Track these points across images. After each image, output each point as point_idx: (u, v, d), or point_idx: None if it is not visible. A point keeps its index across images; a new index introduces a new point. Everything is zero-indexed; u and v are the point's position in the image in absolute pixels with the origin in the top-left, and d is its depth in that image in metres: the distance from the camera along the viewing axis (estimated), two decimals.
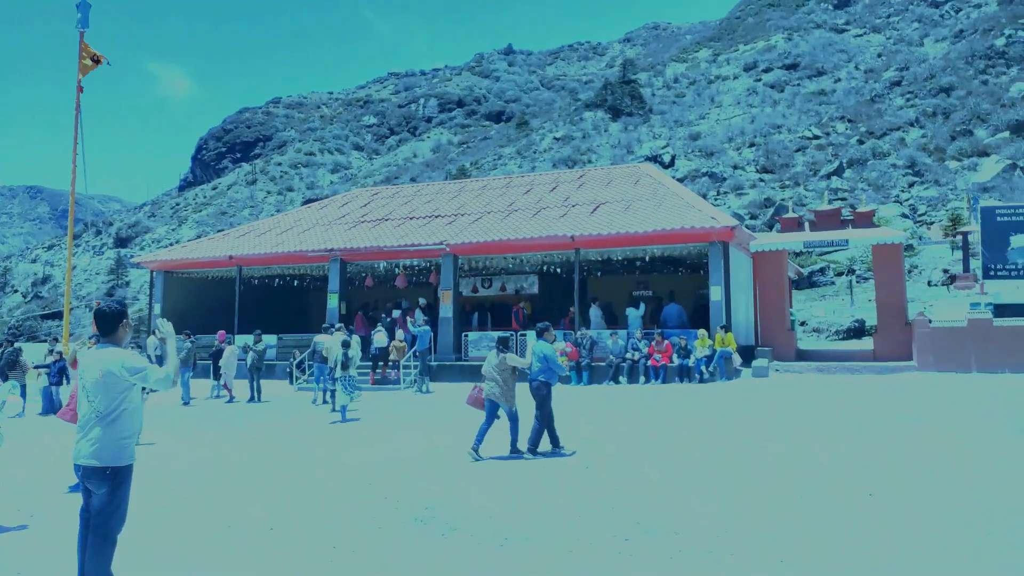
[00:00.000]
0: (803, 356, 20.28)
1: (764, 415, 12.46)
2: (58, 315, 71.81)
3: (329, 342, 16.70)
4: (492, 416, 9.77)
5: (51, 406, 16.13)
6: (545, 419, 9.74)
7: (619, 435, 10.59)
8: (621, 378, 18.42)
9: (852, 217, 19.90)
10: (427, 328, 18.84)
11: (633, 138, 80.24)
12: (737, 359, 18.12)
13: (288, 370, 21.08)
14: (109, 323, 4.65)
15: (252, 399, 18.00)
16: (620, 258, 23.34)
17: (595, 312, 21.34)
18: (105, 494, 4.46)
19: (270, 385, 20.05)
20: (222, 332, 20.99)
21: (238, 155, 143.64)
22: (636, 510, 6.81)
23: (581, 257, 21.16)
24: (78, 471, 4.51)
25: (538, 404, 9.78)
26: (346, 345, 15.27)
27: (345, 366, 14.72)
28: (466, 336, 21.59)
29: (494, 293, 26.08)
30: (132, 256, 54.61)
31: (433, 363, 19.40)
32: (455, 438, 11.36)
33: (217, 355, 19.13)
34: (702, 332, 18.29)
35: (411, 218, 25.73)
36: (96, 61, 24.05)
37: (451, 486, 8.03)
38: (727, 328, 18.34)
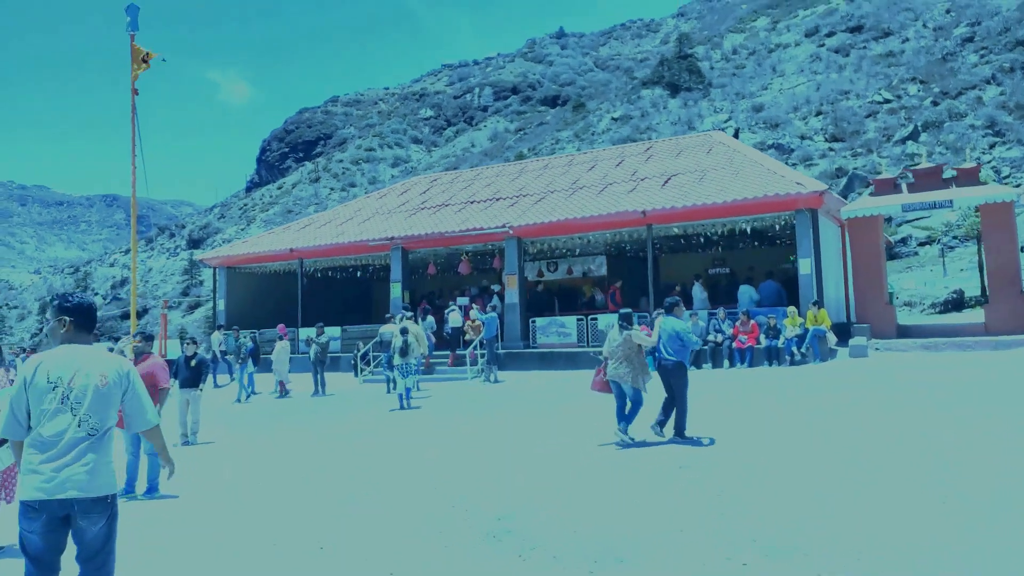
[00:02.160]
0: (904, 332, 18.48)
1: (876, 401, 10.99)
2: (137, 315, 74.00)
3: (393, 330, 16.11)
4: (623, 398, 9.01)
5: None
6: (685, 400, 8.90)
7: (713, 429, 9.34)
8: (704, 364, 17.03)
9: (956, 174, 17.93)
10: (494, 315, 17.84)
11: (694, 113, 77.79)
12: (832, 338, 16.51)
13: (353, 362, 20.42)
14: (91, 317, 3.67)
15: (316, 393, 17.40)
16: (693, 233, 21.92)
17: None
18: (104, 527, 3.46)
19: (335, 378, 19.41)
20: (282, 326, 20.46)
21: (300, 155, 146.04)
22: (751, 523, 5.60)
23: (653, 234, 19.80)
24: (58, 508, 3.35)
25: (676, 386, 8.91)
26: (404, 332, 15.02)
27: (404, 353, 14.46)
28: (533, 322, 20.51)
29: (560, 276, 24.93)
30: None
31: (501, 351, 18.40)
32: (528, 433, 10.31)
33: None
34: (792, 309, 16.73)
35: (472, 202, 24.77)
36: (146, 61, 23.83)
37: (528, 492, 6.96)
38: (819, 304, 16.75)
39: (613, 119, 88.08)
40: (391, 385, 16.15)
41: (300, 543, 5.77)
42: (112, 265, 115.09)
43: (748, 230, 21.31)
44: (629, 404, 8.98)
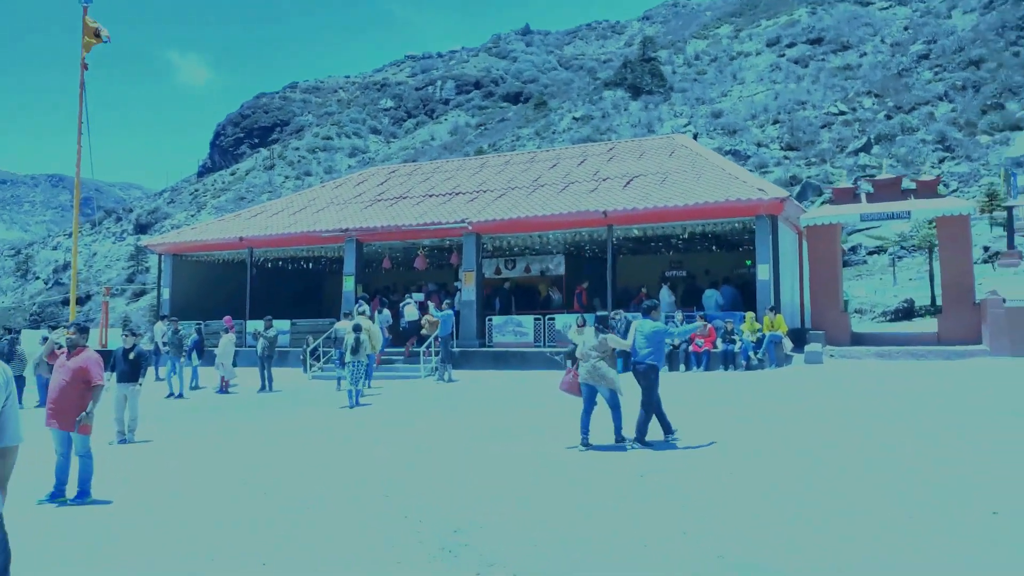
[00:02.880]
0: (858, 340, 18.67)
1: (834, 408, 10.96)
2: (80, 301, 71.62)
3: (347, 327, 15.70)
4: (591, 402, 8.90)
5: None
6: (653, 405, 8.79)
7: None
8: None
9: (915, 186, 18.16)
10: (449, 312, 17.46)
11: (654, 116, 78.45)
12: (788, 344, 16.56)
13: (302, 357, 19.83)
14: None
15: (263, 388, 16.80)
16: (653, 235, 21.85)
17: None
18: None
19: (283, 373, 18.80)
20: (228, 318, 19.76)
21: (256, 140, 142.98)
22: (716, 537, 5.38)
23: (614, 235, 19.64)
24: None
25: (645, 389, 8.80)
26: (357, 329, 14.73)
27: (355, 351, 14.20)
28: (490, 320, 20.18)
29: (518, 274, 24.62)
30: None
31: (456, 349, 18.03)
32: (484, 436, 9.99)
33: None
34: (750, 315, 16.74)
35: (430, 196, 24.32)
36: (98, 36, 22.89)
37: (485, 501, 6.63)
38: (776, 310, 16.78)
39: (574, 118, 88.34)
40: (340, 383, 15.66)
41: (241, 558, 5.36)
42: (55, 248, 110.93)
43: (707, 234, 21.36)
44: (609, 408, 8.87)
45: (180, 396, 16.22)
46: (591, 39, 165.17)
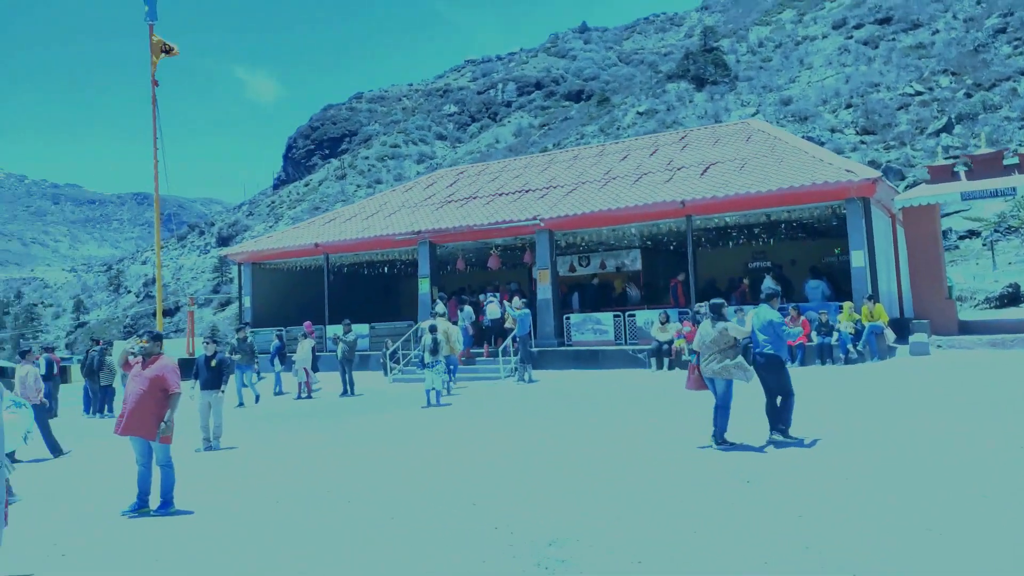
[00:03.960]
0: (965, 328, 17.38)
1: (953, 405, 10.05)
2: (169, 312, 74.51)
3: (441, 326, 15.78)
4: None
5: None
6: (790, 393, 8.24)
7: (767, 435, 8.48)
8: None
9: (1018, 161, 16.77)
10: (526, 311, 17.03)
11: (720, 107, 76.52)
12: (890, 335, 15.49)
13: (382, 361, 19.75)
14: None
15: (345, 393, 16.75)
16: (733, 225, 20.97)
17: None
18: None
19: (364, 377, 18.76)
20: (308, 323, 19.86)
21: (326, 151, 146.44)
22: (843, 552, 4.78)
23: (692, 225, 18.87)
24: None
25: (776, 380, 8.25)
26: (433, 330, 14.80)
27: (433, 351, 14.25)
28: (568, 319, 19.68)
29: (592, 271, 24.07)
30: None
31: (534, 349, 17.60)
32: (574, 439, 9.51)
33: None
34: (847, 304, 15.74)
35: (500, 194, 23.99)
36: (167, 51, 23.45)
37: (580, 509, 6.16)
38: (875, 299, 15.73)
39: (638, 113, 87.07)
40: (442, 384, 15.32)
41: (327, 571, 5.04)
42: (144, 263, 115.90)
43: (791, 221, 20.34)
44: (716, 405, 8.38)
45: (241, 405, 16.08)
46: (650, 33, 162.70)
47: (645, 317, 18.19)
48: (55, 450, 11.03)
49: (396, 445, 10.04)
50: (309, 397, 16.98)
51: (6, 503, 4.81)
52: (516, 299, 17.66)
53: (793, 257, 23.34)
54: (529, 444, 9.39)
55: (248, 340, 17.18)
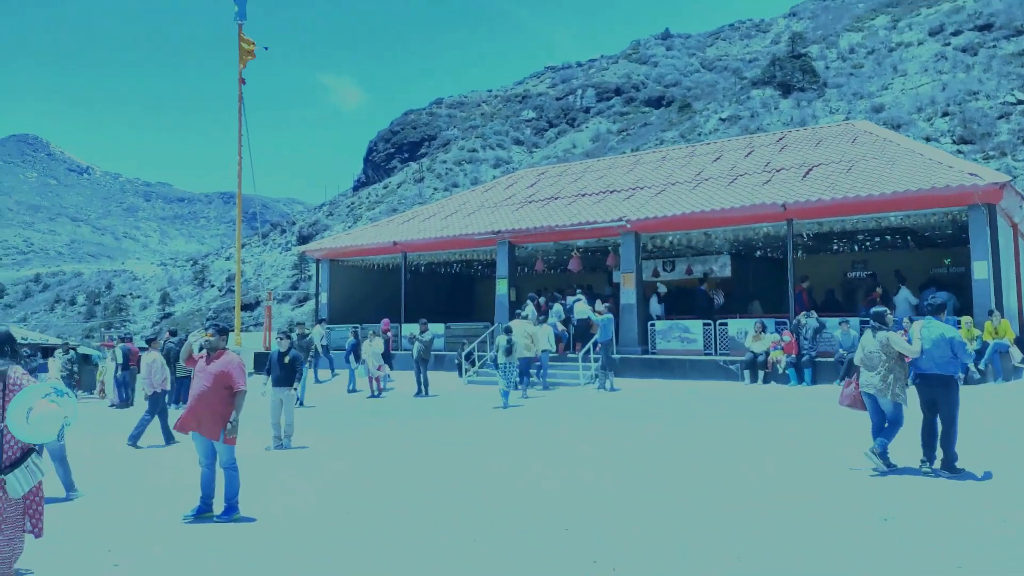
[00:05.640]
0: None
1: None
2: (249, 307, 76.54)
3: (516, 328, 15.50)
4: (880, 412, 7.46)
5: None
6: (955, 423, 7.20)
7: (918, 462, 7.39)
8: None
9: None
10: (610, 316, 16.13)
11: (807, 114, 73.70)
12: (1017, 354, 13.94)
13: (457, 361, 19.16)
14: None
15: (419, 393, 16.25)
16: (837, 231, 19.52)
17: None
18: None
19: (438, 377, 18.19)
20: (385, 320, 19.44)
21: (406, 155, 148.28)
22: None
23: (791, 230, 17.58)
24: None
25: (945, 405, 7.20)
26: (507, 331, 14.62)
27: (508, 352, 14.11)
28: (652, 325, 18.64)
29: (677, 277, 22.91)
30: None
31: (616, 356, 16.66)
32: (667, 457, 8.58)
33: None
34: (966, 319, 14.24)
35: (583, 195, 23.11)
36: (251, 53, 23.60)
37: (684, 540, 5.27)
38: (999, 314, 14.18)
39: (721, 119, 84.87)
40: (513, 385, 14.66)
41: None
42: (228, 259, 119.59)
43: (898, 228, 18.80)
44: (888, 422, 7.43)
45: (355, 391, 16.11)
46: (734, 39, 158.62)
47: (738, 326, 17.01)
48: (168, 438, 10.92)
49: (472, 452, 9.32)
50: (380, 395, 16.54)
51: (40, 507, 4.27)
52: (599, 303, 16.77)
53: (897, 267, 21.69)
54: (618, 460, 8.51)
55: (307, 336, 16.90)
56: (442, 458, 9.02)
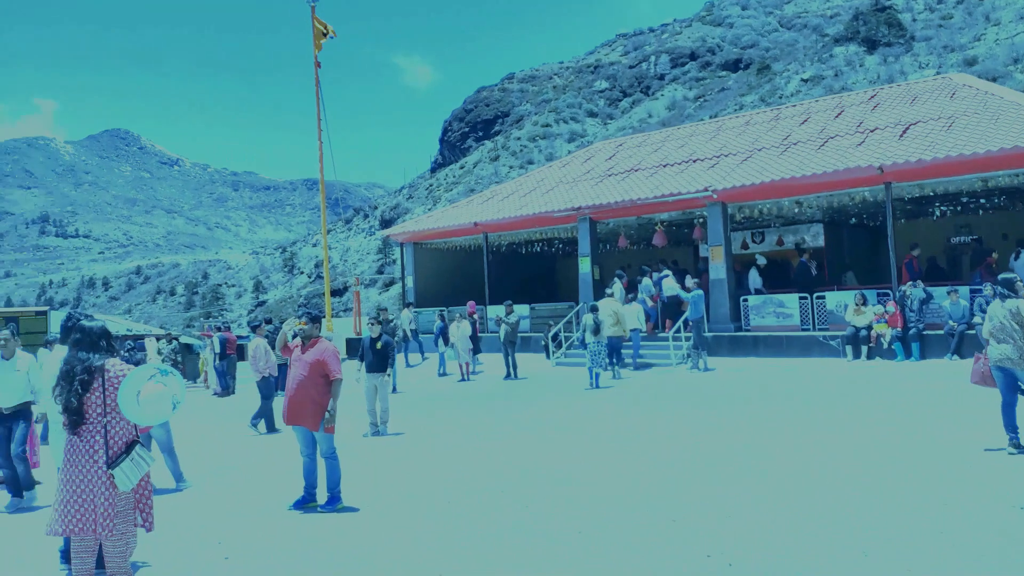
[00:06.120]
0: None
1: None
2: (338, 292, 78.72)
3: (602, 306, 15.21)
4: (1013, 390, 6.99)
5: None
6: None
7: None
8: (951, 354, 13.89)
9: None
10: (700, 292, 15.68)
11: (895, 70, 69.88)
12: None
13: (543, 343, 19.09)
14: None
15: (508, 376, 16.28)
16: (939, 193, 18.41)
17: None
18: None
19: (526, 359, 18.19)
20: (471, 303, 19.52)
21: (480, 134, 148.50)
22: None
23: (890, 194, 16.66)
24: None
25: None
26: (594, 309, 14.51)
27: (595, 331, 14.02)
28: (745, 301, 18.06)
29: (767, 248, 22.12)
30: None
31: (708, 334, 16.23)
32: (775, 439, 8.26)
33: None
34: None
35: (664, 166, 22.53)
36: (327, 34, 23.84)
37: (804, 532, 5.01)
38: None
39: (803, 80, 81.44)
40: (603, 365, 14.47)
41: None
42: (315, 245, 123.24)
43: (1004, 189, 17.55)
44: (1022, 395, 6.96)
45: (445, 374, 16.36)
46: None
47: (836, 299, 16.29)
48: (271, 427, 11.30)
49: (567, 437, 9.23)
50: (470, 379, 16.65)
51: (149, 501, 4.37)
52: (689, 279, 16.34)
53: (1004, 230, 20.35)
54: (719, 445, 8.26)
55: (391, 322, 17.10)
56: (537, 443, 8.96)
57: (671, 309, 18.24)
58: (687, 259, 25.04)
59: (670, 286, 18.07)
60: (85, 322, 4.42)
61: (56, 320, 20.01)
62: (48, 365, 8.81)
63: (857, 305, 15.05)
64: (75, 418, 4.17)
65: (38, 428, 7.86)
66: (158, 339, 22.59)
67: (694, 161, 21.86)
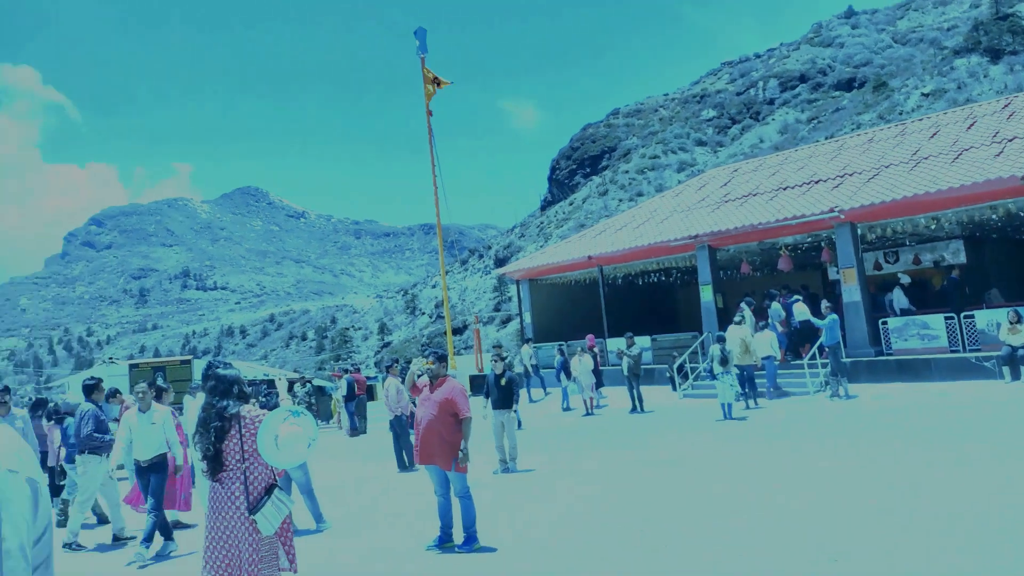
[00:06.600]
0: None
1: None
2: (458, 331, 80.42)
3: (730, 336, 14.89)
4: None
5: None
6: None
7: None
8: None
9: None
10: (835, 317, 14.91)
11: (1023, 79, 64.91)
12: None
13: (668, 374, 18.68)
14: None
15: (634, 409, 15.98)
16: None
17: None
18: None
19: (651, 392, 17.82)
20: (590, 336, 19.39)
21: (588, 170, 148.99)
22: None
23: None
24: None
25: None
26: (720, 340, 14.24)
27: (723, 362, 13.73)
28: (884, 323, 17.03)
29: (903, 268, 20.86)
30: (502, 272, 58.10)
31: (845, 360, 15.38)
32: (929, 471, 7.65)
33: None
34: None
35: (783, 188, 21.77)
36: (438, 84, 24.61)
37: (979, 570, 4.57)
38: None
39: (923, 95, 77.24)
40: (736, 396, 13.99)
41: None
42: (434, 286, 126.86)
43: None
44: None
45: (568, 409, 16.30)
46: (927, 8, 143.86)
47: (987, 318, 15.11)
48: (401, 465, 11.49)
49: (704, 470, 8.90)
50: (594, 413, 16.47)
51: (292, 545, 4.45)
52: (823, 304, 15.59)
53: None
54: (872, 479, 7.73)
55: (505, 359, 17.18)
56: (672, 478, 8.70)
57: (803, 335, 17.45)
58: (815, 282, 23.97)
59: (801, 311, 17.32)
60: (220, 370, 4.56)
61: (199, 368, 21.44)
62: (190, 411, 9.40)
63: (1012, 323, 13.87)
64: (214, 465, 4.30)
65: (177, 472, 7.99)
66: (291, 383, 23.68)
67: (816, 182, 21.03)
